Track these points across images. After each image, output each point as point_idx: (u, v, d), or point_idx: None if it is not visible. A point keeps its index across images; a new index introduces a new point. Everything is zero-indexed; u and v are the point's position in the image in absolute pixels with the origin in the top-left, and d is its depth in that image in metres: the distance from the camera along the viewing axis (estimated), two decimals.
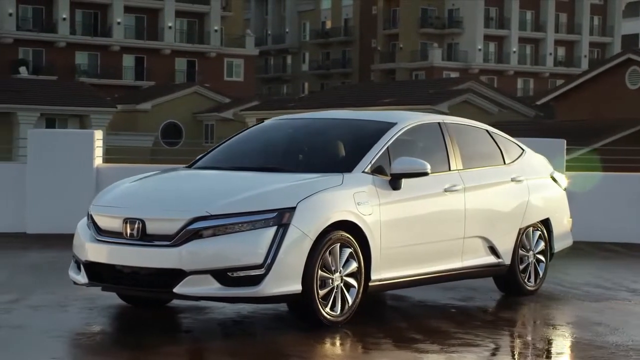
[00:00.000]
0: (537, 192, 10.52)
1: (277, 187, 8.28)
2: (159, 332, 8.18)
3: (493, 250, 9.91)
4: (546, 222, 10.64)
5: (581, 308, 9.83)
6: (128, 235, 8.11)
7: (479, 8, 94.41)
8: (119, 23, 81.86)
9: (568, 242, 11.12)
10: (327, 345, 7.81)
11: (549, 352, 7.92)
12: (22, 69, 77.42)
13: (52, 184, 14.49)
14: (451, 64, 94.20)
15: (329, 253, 8.21)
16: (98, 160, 14.84)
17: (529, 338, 8.40)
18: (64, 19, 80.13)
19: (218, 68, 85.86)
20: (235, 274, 7.88)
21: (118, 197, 8.58)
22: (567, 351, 8.01)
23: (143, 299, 9.03)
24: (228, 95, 69.72)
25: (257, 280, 7.88)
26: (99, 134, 14.97)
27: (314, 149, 9.39)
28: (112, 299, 9.16)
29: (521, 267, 10.27)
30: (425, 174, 8.90)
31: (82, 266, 8.43)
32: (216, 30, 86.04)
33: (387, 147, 9.03)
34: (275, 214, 7.98)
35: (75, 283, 8.57)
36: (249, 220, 7.94)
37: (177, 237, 7.91)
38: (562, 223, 10.94)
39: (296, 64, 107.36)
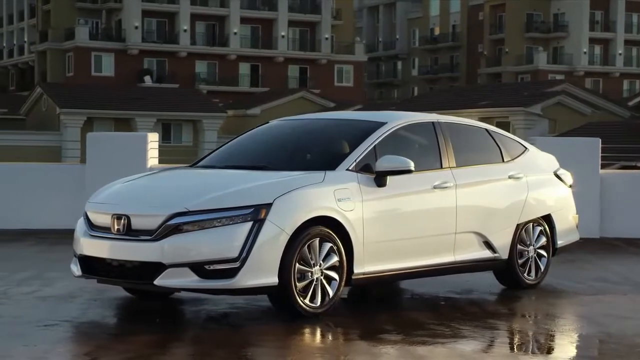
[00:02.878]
0: (537, 188, 10.29)
1: (256, 184, 8.29)
2: (142, 322, 8.27)
3: (489, 245, 9.73)
4: (548, 218, 10.40)
5: (571, 301, 9.61)
6: (115, 230, 8.23)
7: (584, 12, 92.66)
8: (235, 33, 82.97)
9: (573, 238, 10.84)
10: (290, 334, 7.77)
11: (507, 342, 7.74)
12: (147, 78, 79.17)
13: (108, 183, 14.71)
14: (556, 67, 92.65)
15: (308, 247, 8.18)
16: (152, 161, 15.04)
17: (496, 329, 8.16)
18: (185, 30, 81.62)
19: (329, 74, 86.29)
20: (211, 267, 7.92)
21: (109, 194, 8.73)
22: (526, 341, 7.82)
23: (147, 291, 9.11)
24: (337, 100, 69.91)
25: (232, 273, 7.91)
26: (153, 137, 15.17)
27: (304, 148, 9.37)
28: (121, 291, 9.26)
29: (520, 261, 10.06)
30: (408, 171, 8.79)
31: (77, 259, 8.60)
32: (327, 38, 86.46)
33: (374, 146, 8.95)
34: (252, 209, 7.99)
35: (74, 275, 8.72)
36: (226, 216, 7.97)
37: (158, 231, 7.99)
38: (566, 219, 10.67)
39: (406, 69, 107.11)
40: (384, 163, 8.74)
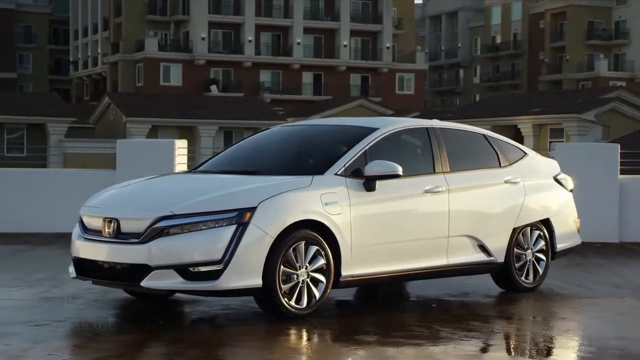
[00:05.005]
0: (535, 193, 10.16)
1: (242, 188, 8.32)
2: (132, 322, 8.37)
3: (483, 249, 9.63)
4: (547, 222, 10.26)
5: (564, 304, 9.45)
6: (106, 233, 8.32)
7: None
8: (298, 43, 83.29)
9: (574, 242, 10.67)
10: (268, 335, 7.78)
11: (480, 343, 7.60)
12: (213, 87, 79.84)
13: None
14: (617, 74, 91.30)
15: (294, 250, 8.18)
16: (180, 167, 15.15)
17: (476, 331, 8.01)
18: (250, 41, 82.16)
19: (390, 82, 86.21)
20: (196, 269, 7.97)
21: (102, 199, 8.83)
22: (497, 342, 7.72)
23: (147, 293, 9.14)
24: (397, 107, 69.82)
25: (216, 275, 7.94)
26: (181, 143, 15.30)
27: (296, 153, 9.38)
28: (123, 292, 9.33)
29: (517, 265, 9.95)
30: (396, 176, 8.75)
31: (72, 261, 8.72)
32: (388, 47, 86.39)
33: (365, 151, 8.92)
34: (236, 213, 8.02)
35: (71, 277, 8.82)
36: (211, 219, 8.01)
37: (145, 234, 8.06)
38: (566, 223, 10.52)
39: (468, 77, 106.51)
40: (372, 168, 8.72)
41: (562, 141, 48.24)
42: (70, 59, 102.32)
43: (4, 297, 9.48)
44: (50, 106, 57.48)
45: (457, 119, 53.81)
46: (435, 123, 9.84)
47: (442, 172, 9.40)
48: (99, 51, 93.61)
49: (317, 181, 8.50)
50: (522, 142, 51.06)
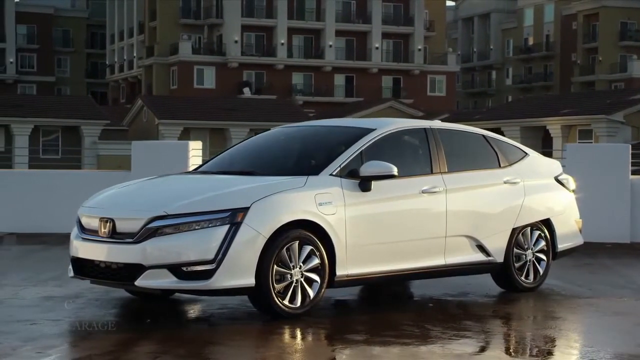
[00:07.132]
0: (535, 193, 10.09)
1: (236, 188, 8.35)
2: (127, 321, 8.41)
3: (482, 249, 9.58)
4: (548, 222, 10.19)
5: (562, 304, 9.38)
6: (102, 233, 8.36)
7: None
8: (330, 46, 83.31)
9: (576, 242, 10.58)
10: (259, 334, 7.80)
11: (467, 342, 7.54)
12: (246, 90, 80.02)
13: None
14: None
15: (287, 250, 8.19)
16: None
17: (466, 330, 7.97)
18: (282, 44, 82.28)
19: (422, 84, 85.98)
20: (188, 269, 8.00)
21: (100, 199, 8.87)
22: (484, 341, 7.67)
23: (148, 292, 9.17)
24: (428, 109, 69.63)
25: (208, 275, 7.97)
26: (195, 145, 15.35)
27: (293, 154, 9.40)
28: (124, 291, 9.37)
29: (517, 265, 9.89)
30: (392, 176, 8.73)
31: (70, 261, 8.77)
32: (419, 50, 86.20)
33: (361, 152, 8.91)
34: (229, 213, 8.04)
35: (69, 276, 8.88)
36: (204, 219, 8.03)
37: (139, 234, 8.10)
38: (568, 223, 10.44)
39: (500, 79, 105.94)
40: (367, 168, 8.71)
41: (591, 142, 47.85)
42: (107, 62, 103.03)
43: (9, 296, 9.54)
44: (84, 109, 57.94)
45: (486, 120, 53.62)
46: (435, 124, 9.81)
47: (440, 172, 9.37)
48: (135, 55, 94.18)
49: (312, 182, 8.50)
50: (550, 143, 50.76)
